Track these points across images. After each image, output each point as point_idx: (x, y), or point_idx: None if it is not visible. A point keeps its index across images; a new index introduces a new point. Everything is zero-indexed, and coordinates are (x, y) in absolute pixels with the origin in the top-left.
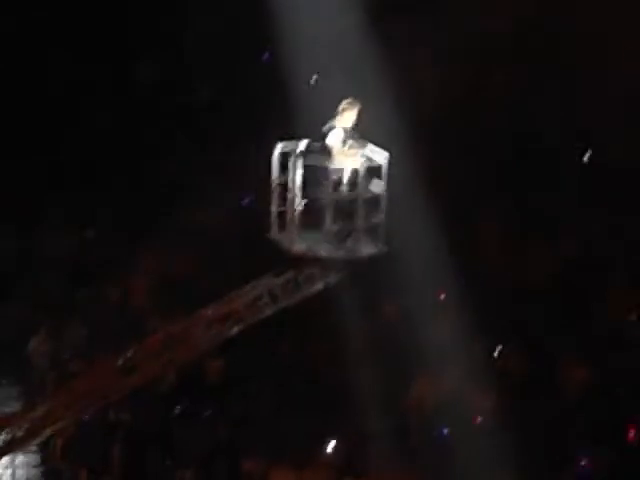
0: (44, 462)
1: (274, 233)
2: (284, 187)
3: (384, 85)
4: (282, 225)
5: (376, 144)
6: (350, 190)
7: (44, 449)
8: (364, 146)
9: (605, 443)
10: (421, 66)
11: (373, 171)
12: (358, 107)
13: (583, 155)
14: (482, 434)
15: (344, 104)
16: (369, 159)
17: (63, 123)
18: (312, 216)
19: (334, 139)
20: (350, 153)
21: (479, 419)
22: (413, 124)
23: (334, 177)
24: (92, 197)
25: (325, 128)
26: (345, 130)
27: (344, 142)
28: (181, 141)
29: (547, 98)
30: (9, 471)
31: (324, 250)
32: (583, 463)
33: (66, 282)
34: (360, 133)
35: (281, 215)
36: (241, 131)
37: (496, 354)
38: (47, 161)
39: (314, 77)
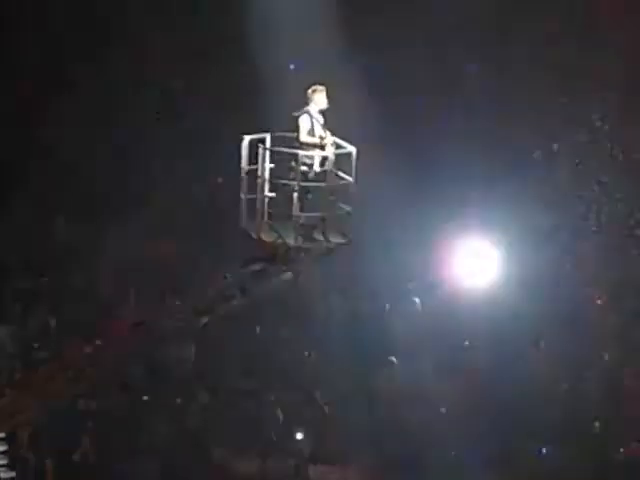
0: (11, 451)
1: (244, 223)
2: (254, 176)
3: (356, 75)
4: (252, 214)
5: (347, 134)
6: (319, 179)
7: (11, 438)
8: (326, 137)
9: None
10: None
11: (342, 159)
12: (324, 89)
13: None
14: (450, 422)
15: (311, 89)
16: (338, 146)
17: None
18: (281, 205)
19: (301, 123)
20: (314, 139)
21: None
22: (384, 114)
23: (303, 165)
24: (58, 183)
25: (296, 113)
26: (315, 116)
27: (312, 128)
28: (151, 126)
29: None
30: None
31: (293, 239)
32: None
33: (33, 269)
34: (329, 124)
35: (250, 204)
36: (212, 118)
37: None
38: (13, 148)
39: (291, 66)
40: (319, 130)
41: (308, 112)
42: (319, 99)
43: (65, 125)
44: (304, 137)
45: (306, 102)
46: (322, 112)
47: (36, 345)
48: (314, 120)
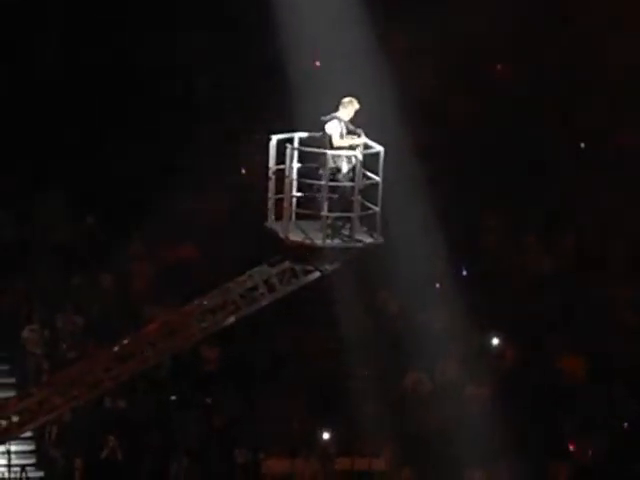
0: (39, 449)
1: (270, 222)
2: (281, 176)
3: (384, 78)
4: (279, 214)
5: (373, 135)
6: (347, 179)
7: (39, 436)
8: (360, 134)
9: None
10: (420, 60)
11: (370, 160)
12: (358, 105)
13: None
14: (477, 422)
15: (347, 99)
16: (367, 146)
17: (61, 112)
18: (309, 205)
19: (333, 127)
20: (348, 141)
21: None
22: (412, 116)
23: (331, 166)
24: (89, 184)
25: (325, 118)
26: (343, 120)
27: (342, 132)
28: (179, 128)
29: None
30: (4, 458)
31: (320, 239)
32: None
33: (61, 269)
34: (356, 125)
35: (278, 204)
36: (240, 119)
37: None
38: (45, 149)
39: (317, 63)
40: (346, 134)
41: (337, 117)
42: (349, 111)
43: (95, 125)
44: (337, 142)
45: (337, 108)
46: (351, 120)
47: (64, 345)
48: (342, 124)
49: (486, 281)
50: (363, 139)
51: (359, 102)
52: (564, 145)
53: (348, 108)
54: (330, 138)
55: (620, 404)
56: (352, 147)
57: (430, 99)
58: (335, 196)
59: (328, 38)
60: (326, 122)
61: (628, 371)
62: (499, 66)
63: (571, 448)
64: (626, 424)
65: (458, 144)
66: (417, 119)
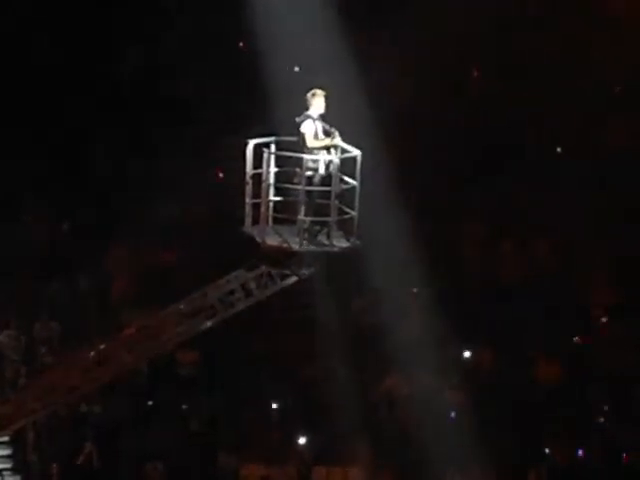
0: (16, 454)
1: (248, 226)
2: (258, 180)
3: (358, 79)
4: (256, 218)
5: (350, 139)
6: (324, 183)
7: (16, 441)
8: (334, 135)
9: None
10: (395, 61)
11: (346, 163)
12: (324, 93)
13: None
14: (453, 430)
15: (310, 93)
16: (344, 150)
17: (41, 119)
18: (286, 209)
19: (306, 127)
20: (322, 142)
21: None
22: (388, 119)
23: (308, 169)
24: (64, 190)
25: (299, 119)
26: (316, 119)
27: (316, 132)
28: (156, 135)
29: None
30: None
31: (297, 243)
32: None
33: (38, 275)
34: (330, 124)
35: (255, 208)
36: (216, 124)
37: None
38: (21, 155)
39: (296, 68)
40: (321, 134)
41: (310, 116)
42: (319, 103)
43: (75, 132)
44: (311, 142)
45: (306, 107)
46: (322, 116)
47: (41, 350)
48: (316, 123)
49: (462, 287)
50: (337, 140)
51: (323, 90)
52: (541, 149)
53: (315, 101)
54: (304, 137)
55: (596, 407)
56: (327, 148)
57: (408, 104)
58: (313, 200)
59: (307, 43)
60: (300, 123)
61: (604, 375)
62: (476, 73)
63: (547, 451)
64: (602, 427)
65: (436, 149)
66: (395, 123)
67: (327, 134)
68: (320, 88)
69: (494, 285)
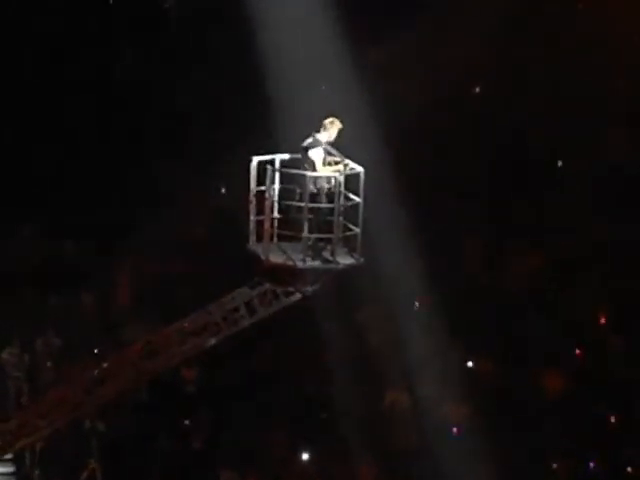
0: (19, 471)
1: (252, 243)
2: (262, 198)
3: (362, 98)
4: (260, 235)
5: (354, 156)
6: (327, 201)
7: (19, 458)
8: (343, 161)
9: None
10: (398, 78)
11: (350, 181)
12: (340, 125)
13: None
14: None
15: (329, 120)
16: (348, 167)
17: (39, 134)
18: (290, 227)
19: (316, 155)
20: (330, 169)
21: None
22: (393, 135)
23: (311, 187)
24: (67, 207)
25: (307, 142)
26: (325, 145)
27: (324, 159)
28: (159, 151)
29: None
30: None
31: (301, 261)
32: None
33: (40, 292)
34: (337, 146)
35: (259, 225)
36: (221, 141)
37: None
38: (21, 171)
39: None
40: (328, 164)
41: (319, 142)
42: (332, 132)
43: (75, 146)
44: (320, 169)
45: (317, 130)
46: (330, 143)
47: (45, 367)
48: (324, 149)
49: (465, 299)
50: (346, 170)
51: (341, 122)
52: (542, 163)
53: (330, 130)
54: (314, 164)
55: (600, 419)
56: (339, 166)
57: (412, 118)
58: (317, 218)
59: (309, 56)
60: (308, 148)
61: (608, 386)
62: (477, 89)
63: (554, 465)
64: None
65: (437, 163)
66: (399, 138)
67: (336, 163)
68: (337, 119)
69: (496, 298)
